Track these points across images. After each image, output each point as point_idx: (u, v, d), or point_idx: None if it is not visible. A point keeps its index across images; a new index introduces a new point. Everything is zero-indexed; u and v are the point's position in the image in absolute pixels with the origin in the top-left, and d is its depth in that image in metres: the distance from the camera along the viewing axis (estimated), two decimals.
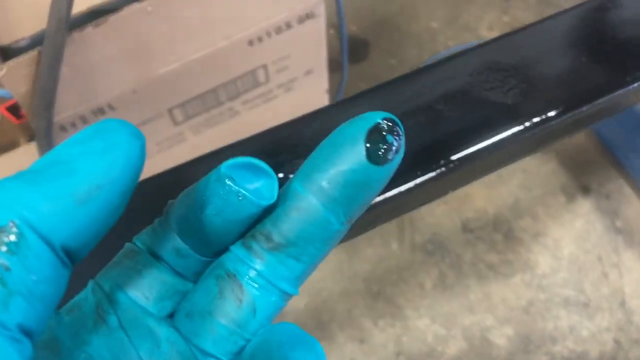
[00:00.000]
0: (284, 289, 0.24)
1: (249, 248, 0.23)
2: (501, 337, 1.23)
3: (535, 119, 0.52)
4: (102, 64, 0.75)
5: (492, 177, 1.41)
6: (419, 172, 0.49)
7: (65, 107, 0.78)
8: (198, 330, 0.23)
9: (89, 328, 0.22)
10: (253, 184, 0.23)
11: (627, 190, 1.37)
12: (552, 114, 0.52)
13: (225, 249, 0.24)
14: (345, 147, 0.22)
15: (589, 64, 0.55)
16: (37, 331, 0.18)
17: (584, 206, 1.36)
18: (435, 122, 0.53)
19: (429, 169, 0.50)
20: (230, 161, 0.22)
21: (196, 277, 0.25)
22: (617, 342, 1.21)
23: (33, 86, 0.70)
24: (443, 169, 0.50)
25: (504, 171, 1.41)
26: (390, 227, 1.36)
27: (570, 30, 0.59)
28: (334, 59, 1.41)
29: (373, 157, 0.22)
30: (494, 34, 1.59)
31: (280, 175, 0.48)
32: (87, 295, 0.23)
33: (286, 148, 0.51)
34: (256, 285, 0.23)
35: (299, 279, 0.24)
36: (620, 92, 0.53)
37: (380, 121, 0.22)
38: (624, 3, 0.59)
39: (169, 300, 0.24)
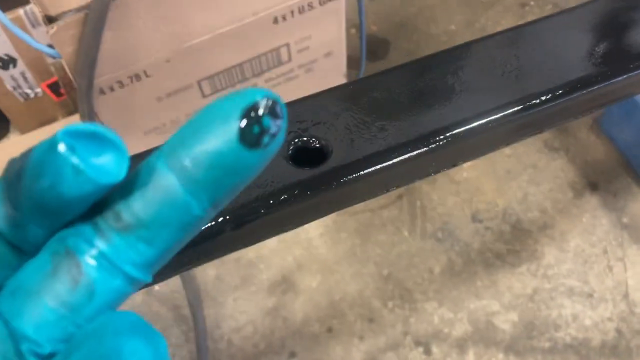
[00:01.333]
0: (130, 274, 0.21)
1: (94, 225, 0.21)
2: (506, 323, 1.27)
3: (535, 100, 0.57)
4: (140, 30, 0.82)
5: (502, 172, 1.46)
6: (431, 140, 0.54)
7: (105, 71, 0.86)
8: (20, 311, 0.20)
9: None
10: (99, 158, 0.19)
11: (635, 188, 1.41)
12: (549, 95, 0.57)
13: (68, 223, 0.21)
14: (216, 123, 0.19)
15: (596, 53, 0.60)
16: None
17: (591, 202, 1.40)
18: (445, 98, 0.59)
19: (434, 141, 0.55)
20: (71, 127, 0.19)
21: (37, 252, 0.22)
22: (619, 331, 1.25)
23: (78, 46, 0.78)
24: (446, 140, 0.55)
25: (514, 167, 1.46)
26: (402, 215, 1.42)
27: (582, 22, 0.64)
28: (354, 57, 1.49)
29: (246, 139, 0.19)
30: None
31: None
32: None
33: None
34: (96, 265, 0.20)
35: (151, 265, 0.21)
36: (619, 79, 0.58)
37: (260, 99, 0.19)
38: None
39: None
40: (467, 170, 1.47)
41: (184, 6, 0.82)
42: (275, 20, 0.92)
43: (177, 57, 0.89)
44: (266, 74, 1.01)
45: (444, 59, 0.62)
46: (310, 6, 0.93)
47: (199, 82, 0.96)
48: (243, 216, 0.50)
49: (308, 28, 0.97)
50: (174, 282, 1.38)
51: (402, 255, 1.37)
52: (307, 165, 0.52)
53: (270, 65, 1.00)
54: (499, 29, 1.70)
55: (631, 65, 0.58)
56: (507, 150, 1.49)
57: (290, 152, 0.54)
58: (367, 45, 1.66)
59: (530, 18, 1.68)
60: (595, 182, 1.42)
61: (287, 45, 0.98)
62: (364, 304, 1.31)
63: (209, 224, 0.51)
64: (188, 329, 1.32)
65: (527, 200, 1.41)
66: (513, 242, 1.37)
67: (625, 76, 0.58)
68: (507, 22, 1.67)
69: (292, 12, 0.92)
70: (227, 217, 0.51)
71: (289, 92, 1.07)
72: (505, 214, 1.40)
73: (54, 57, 0.84)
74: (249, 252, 1.40)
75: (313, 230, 1.41)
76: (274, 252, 1.40)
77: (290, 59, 1.01)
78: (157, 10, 0.81)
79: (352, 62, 1.54)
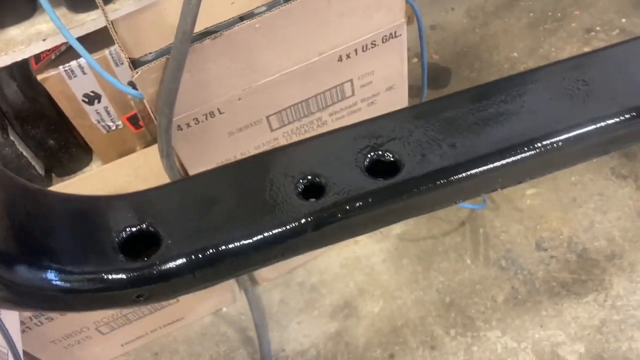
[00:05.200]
0: None
1: None
2: (572, 354, 1.25)
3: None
4: (215, 72, 0.89)
5: (567, 199, 1.44)
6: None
7: (183, 110, 0.92)
8: None
9: None
10: None
11: None
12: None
13: None
14: None
15: None
16: None
17: None
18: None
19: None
20: None
21: None
22: None
23: (159, 88, 0.85)
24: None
25: (580, 194, 1.44)
26: (465, 242, 1.42)
27: None
28: (417, 85, 1.52)
29: None
30: None
31: None
32: None
33: None
34: None
35: None
36: None
37: None
38: None
39: None
40: (531, 198, 1.46)
41: (255, 49, 0.88)
42: (340, 59, 0.97)
43: (248, 95, 0.95)
44: (330, 108, 1.06)
45: (513, 83, 0.65)
46: (374, 44, 0.97)
47: (267, 118, 1.02)
48: (322, 219, 0.56)
49: (371, 64, 1.01)
50: (241, 305, 1.43)
51: (465, 282, 1.37)
52: (381, 177, 0.58)
53: (334, 99, 1.05)
54: (563, 55, 1.69)
55: None
56: (572, 177, 1.47)
57: (366, 164, 0.59)
58: (428, 74, 1.68)
59: (595, 43, 1.67)
60: None
61: (351, 81, 1.02)
62: (426, 330, 1.32)
63: (294, 224, 0.57)
64: (254, 351, 1.37)
65: (594, 229, 1.39)
66: (579, 272, 1.34)
67: None
68: (572, 49, 1.66)
69: (355, 51, 0.97)
70: (309, 219, 0.57)
71: None
72: (570, 242, 1.39)
73: (137, 97, 0.91)
74: (312, 277, 1.44)
75: (375, 257, 1.44)
76: (337, 277, 1.43)
77: (353, 94, 1.06)
78: (230, 53, 0.87)
79: (415, 90, 1.57)
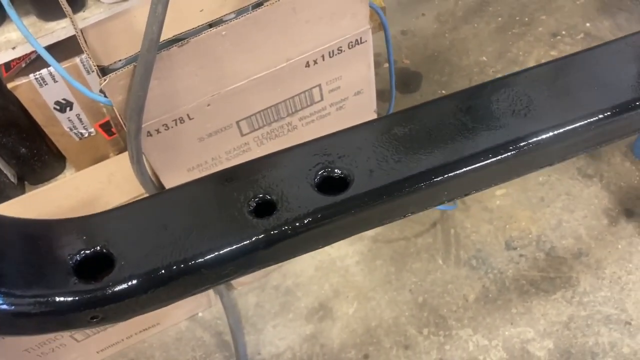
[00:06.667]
0: None
1: None
2: (541, 350, 1.28)
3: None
4: (183, 78, 0.90)
5: (535, 199, 1.48)
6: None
7: (152, 116, 0.93)
8: None
9: None
10: None
11: None
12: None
13: None
14: None
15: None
16: None
17: (627, 229, 1.40)
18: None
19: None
20: None
21: None
22: None
23: (128, 95, 0.86)
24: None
25: (548, 194, 1.48)
26: (436, 243, 1.45)
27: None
28: (387, 90, 1.54)
29: None
30: None
31: None
32: None
33: None
34: None
35: None
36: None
37: None
38: None
39: None
40: (500, 198, 1.49)
41: (222, 55, 0.90)
42: (308, 64, 0.99)
43: (217, 101, 0.96)
44: (300, 112, 1.08)
45: (459, 99, 0.67)
46: (340, 50, 1.00)
47: (237, 123, 1.03)
48: (273, 237, 0.58)
49: (338, 69, 1.03)
50: (217, 309, 1.44)
51: (437, 282, 1.40)
52: (330, 193, 0.59)
53: (303, 104, 1.06)
54: (530, 59, 1.73)
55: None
56: (540, 177, 1.51)
57: (316, 180, 0.60)
58: (399, 78, 1.71)
59: (561, 47, 1.71)
60: (631, 208, 1.43)
61: (319, 86, 1.04)
62: (400, 330, 1.34)
63: (245, 242, 0.58)
64: (230, 354, 1.38)
65: (561, 228, 1.43)
66: (547, 270, 1.38)
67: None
68: (538, 52, 1.70)
69: (322, 57, 0.99)
70: (260, 237, 0.58)
71: (322, 129, 1.13)
72: (539, 241, 1.42)
73: (107, 105, 0.92)
74: (287, 280, 1.45)
75: (349, 258, 1.46)
76: (312, 280, 1.45)
77: (322, 99, 1.07)
78: (197, 60, 0.88)
79: (386, 94, 1.60)
